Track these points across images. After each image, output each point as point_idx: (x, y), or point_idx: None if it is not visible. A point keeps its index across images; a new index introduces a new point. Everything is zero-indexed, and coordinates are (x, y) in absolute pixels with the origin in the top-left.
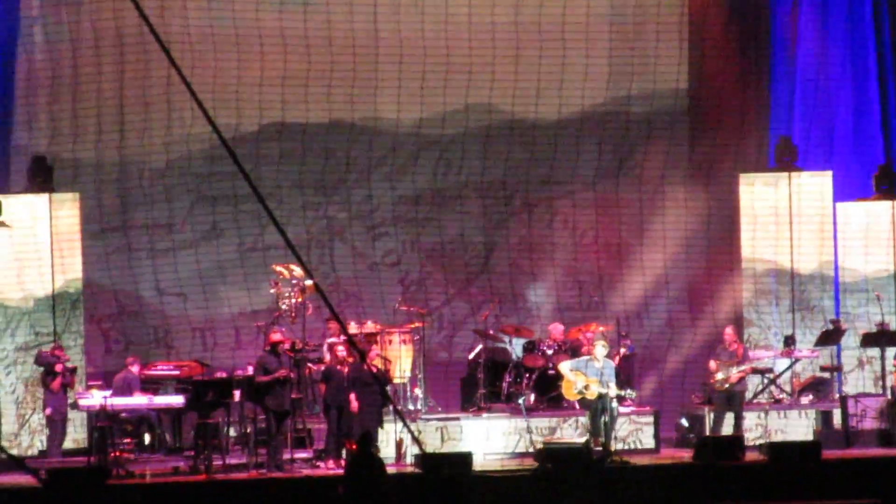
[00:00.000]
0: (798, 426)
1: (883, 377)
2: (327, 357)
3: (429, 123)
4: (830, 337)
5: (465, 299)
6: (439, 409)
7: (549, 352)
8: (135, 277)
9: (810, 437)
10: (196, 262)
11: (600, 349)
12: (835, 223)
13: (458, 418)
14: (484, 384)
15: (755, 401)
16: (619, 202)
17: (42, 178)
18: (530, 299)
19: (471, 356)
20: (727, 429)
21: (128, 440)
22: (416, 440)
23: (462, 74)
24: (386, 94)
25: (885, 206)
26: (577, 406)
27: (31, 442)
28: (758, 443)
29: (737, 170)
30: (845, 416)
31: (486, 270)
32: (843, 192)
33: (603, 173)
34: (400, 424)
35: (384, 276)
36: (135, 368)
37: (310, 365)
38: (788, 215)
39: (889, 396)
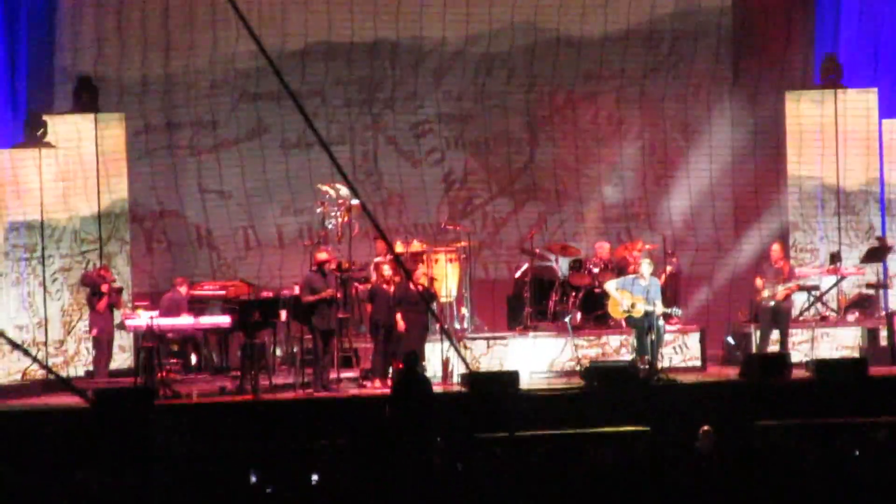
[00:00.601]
0: (845, 343)
1: None
2: (373, 277)
3: (474, 42)
4: (876, 254)
5: (508, 195)
6: (486, 328)
7: (595, 270)
8: (176, 176)
9: (856, 355)
10: (239, 161)
11: (646, 267)
12: (881, 140)
13: (504, 337)
14: (530, 303)
15: (801, 318)
16: (665, 114)
17: (88, 98)
18: (572, 208)
19: (517, 275)
20: (774, 346)
21: (174, 360)
22: (462, 359)
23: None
24: (431, 12)
25: None
26: (624, 325)
27: (77, 349)
28: (804, 360)
29: (782, 87)
30: (891, 332)
31: (530, 166)
32: (890, 109)
33: (649, 87)
34: (446, 343)
35: (428, 173)
36: (182, 289)
37: (356, 284)
38: (834, 133)
39: None
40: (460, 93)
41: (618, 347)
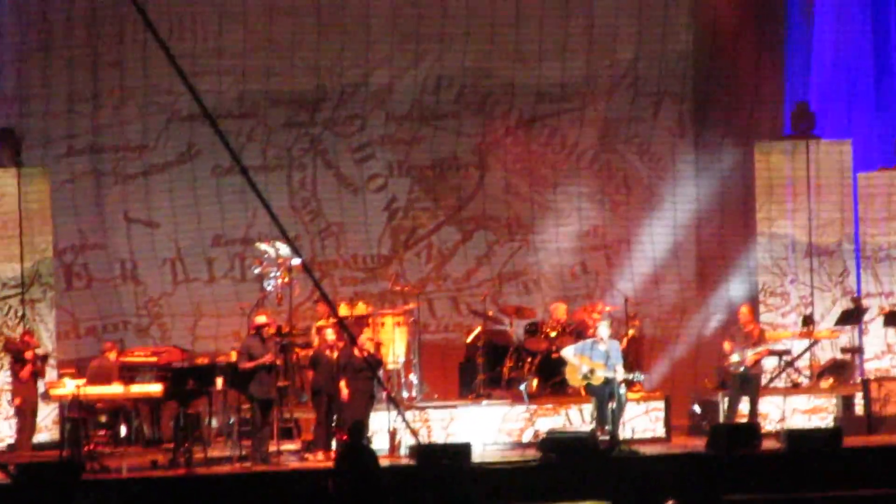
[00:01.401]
0: (818, 412)
1: None
2: (316, 341)
3: (422, 58)
4: (851, 316)
5: (455, 225)
6: (435, 396)
7: (553, 334)
8: (101, 205)
9: (830, 424)
10: (168, 188)
11: (604, 330)
12: (855, 194)
13: (455, 406)
14: (483, 369)
15: (772, 385)
16: (626, 167)
17: (10, 151)
18: (524, 238)
19: (469, 339)
20: (742, 416)
21: (103, 432)
22: (410, 430)
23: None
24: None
25: None
26: (583, 392)
27: None
28: (775, 430)
29: (750, 137)
30: (868, 400)
31: (479, 193)
32: (864, 161)
33: (607, 142)
34: (394, 413)
35: (369, 201)
36: (111, 355)
37: (297, 350)
38: (806, 186)
39: None
40: (405, 113)
41: (576, 417)
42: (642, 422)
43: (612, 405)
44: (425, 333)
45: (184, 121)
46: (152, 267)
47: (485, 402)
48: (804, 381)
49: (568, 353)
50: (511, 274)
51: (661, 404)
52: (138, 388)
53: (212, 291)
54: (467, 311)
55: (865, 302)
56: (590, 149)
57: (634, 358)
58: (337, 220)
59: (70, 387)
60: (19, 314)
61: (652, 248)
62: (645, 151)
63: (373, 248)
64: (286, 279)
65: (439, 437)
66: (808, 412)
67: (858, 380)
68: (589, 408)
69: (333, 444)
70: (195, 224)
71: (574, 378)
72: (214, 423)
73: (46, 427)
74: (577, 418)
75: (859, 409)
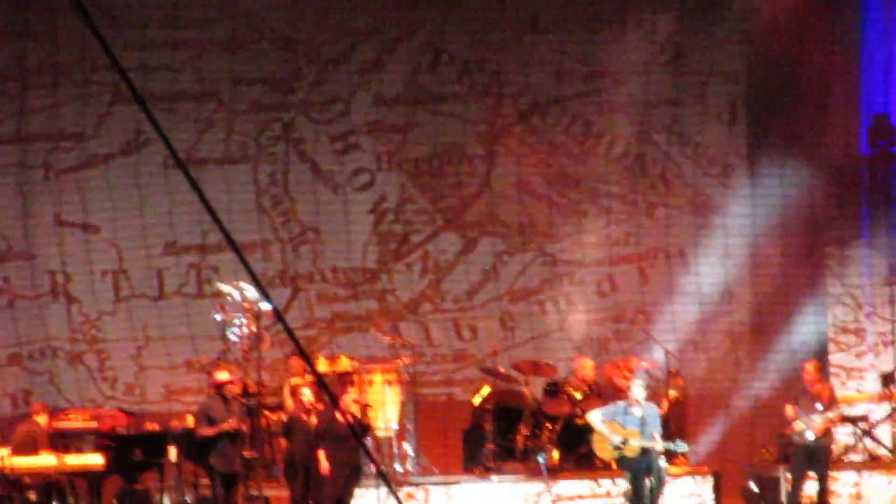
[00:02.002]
0: None
1: None
2: (289, 403)
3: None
4: None
5: (457, 230)
6: (435, 469)
7: (577, 395)
8: (28, 205)
9: None
10: (109, 184)
11: (638, 391)
12: None
13: (459, 482)
14: (493, 437)
15: (845, 458)
16: (664, 161)
17: None
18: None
19: (476, 401)
20: (809, 495)
21: None
22: None
23: None
24: None
25: None
26: (615, 466)
27: None
28: None
29: (820, 157)
30: None
31: (486, 191)
32: None
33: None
34: (384, 490)
35: (353, 201)
36: (41, 419)
37: (267, 413)
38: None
39: None
40: (397, 95)
41: (607, 495)
42: (687, 502)
43: (650, 481)
44: (422, 385)
45: (130, 103)
46: (89, 281)
47: (495, 477)
48: (885, 453)
49: (595, 418)
50: (523, 292)
51: (709, 480)
52: (75, 460)
53: (162, 311)
54: (475, 367)
55: None
56: (620, 139)
57: (677, 424)
58: (313, 225)
59: None
60: None
61: (697, 289)
62: (687, 142)
63: (356, 258)
64: (253, 328)
65: None
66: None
67: None
68: (622, 484)
69: None
70: (142, 228)
71: (603, 449)
72: (167, 502)
73: None
74: (608, 497)
75: None
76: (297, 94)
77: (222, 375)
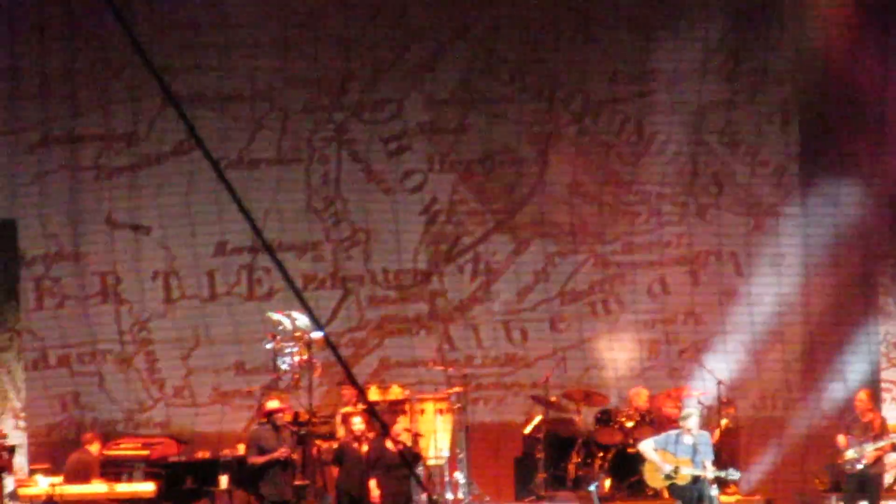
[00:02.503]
0: None
1: None
2: (341, 432)
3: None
4: None
5: (508, 232)
6: (487, 498)
7: (629, 424)
8: (78, 206)
9: None
10: (161, 185)
11: (693, 419)
12: None
13: None
14: (545, 466)
15: None
16: (716, 163)
17: None
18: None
19: (527, 429)
20: None
21: None
22: None
23: None
24: None
25: None
26: (666, 495)
27: None
28: None
29: (876, 177)
30: None
31: (537, 192)
32: None
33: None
34: None
35: (404, 202)
36: (93, 448)
37: (318, 442)
38: None
39: None
40: (449, 96)
41: None
42: None
43: None
44: (473, 407)
45: (181, 104)
46: (139, 282)
47: None
48: None
49: (647, 447)
50: (574, 294)
51: None
52: (126, 488)
53: (212, 312)
54: (526, 396)
55: None
56: (672, 140)
57: (729, 453)
58: (364, 226)
59: (43, 485)
60: None
61: (750, 318)
62: (740, 143)
63: (407, 260)
64: (305, 356)
65: None
66: None
67: None
68: None
69: None
70: (192, 229)
71: (654, 477)
72: None
73: None
74: None
75: None
76: (349, 95)
77: (272, 404)
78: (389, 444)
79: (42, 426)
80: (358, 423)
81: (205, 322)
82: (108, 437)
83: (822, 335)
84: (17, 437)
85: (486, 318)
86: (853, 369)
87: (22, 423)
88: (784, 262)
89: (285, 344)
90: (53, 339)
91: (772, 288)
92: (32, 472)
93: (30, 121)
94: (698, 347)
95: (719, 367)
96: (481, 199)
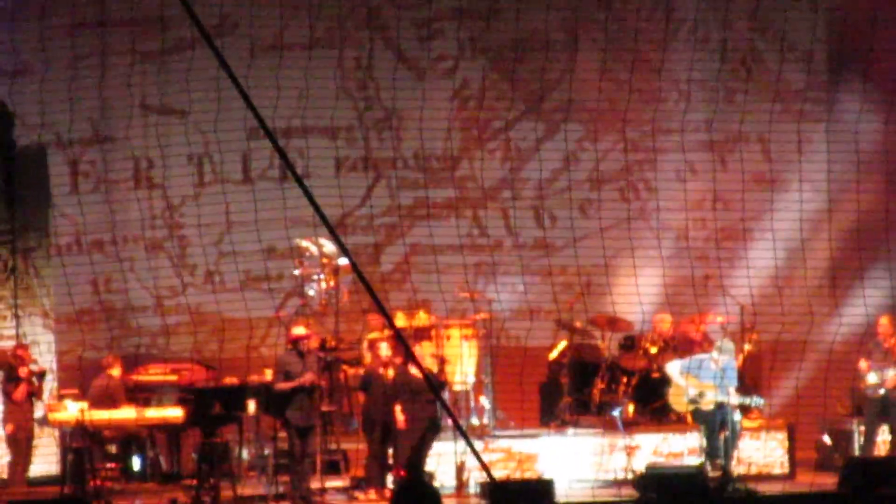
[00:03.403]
0: None
1: None
2: (367, 358)
3: None
4: None
5: (538, 118)
6: (512, 423)
7: (653, 350)
8: (111, 89)
9: None
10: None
11: (727, 345)
12: None
13: (536, 435)
14: (569, 391)
15: None
16: (749, 51)
17: None
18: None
19: (552, 355)
20: (882, 447)
21: (112, 465)
22: (482, 464)
23: None
24: None
25: None
26: (690, 420)
27: None
28: None
29: None
30: None
31: (568, 77)
32: None
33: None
34: (461, 444)
35: (435, 87)
36: (115, 371)
37: (345, 368)
38: None
39: None
40: None
41: (682, 449)
42: (761, 455)
43: (725, 435)
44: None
45: None
46: (173, 166)
47: (571, 430)
48: None
49: (673, 369)
50: (605, 176)
51: (783, 434)
52: (154, 413)
53: (245, 196)
54: (552, 320)
55: None
56: (701, 25)
57: (752, 379)
58: (396, 110)
59: (73, 410)
60: (9, 266)
61: (772, 243)
62: (767, 27)
63: (437, 144)
64: (332, 283)
65: (516, 473)
66: None
67: None
68: (697, 438)
69: (389, 480)
70: (227, 113)
71: (679, 402)
72: (245, 454)
73: (45, 458)
74: (683, 450)
75: None
76: None
77: (298, 330)
78: (415, 371)
79: (71, 342)
80: (384, 349)
81: (238, 206)
82: (134, 361)
83: (844, 260)
84: (44, 337)
85: (516, 202)
86: (874, 294)
87: (51, 322)
88: (810, 149)
89: (312, 270)
90: (86, 224)
91: (797, 174)
92: (62, 397)
93: (61, 6)
94: (727, 234)
95: (742, 293)
96: (512, 84)
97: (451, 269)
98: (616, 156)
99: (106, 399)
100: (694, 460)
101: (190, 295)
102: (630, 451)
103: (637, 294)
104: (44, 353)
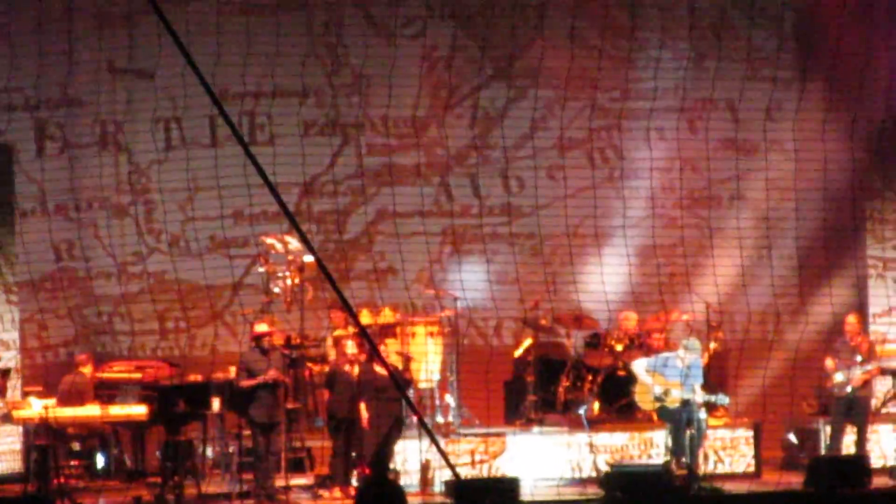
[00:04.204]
0: None
1: None
2: (332, 355)
3: None
4: None
5: (506, 81)
6: (477, 421)
7: (619, 347)
8: (78, 52)
9: None
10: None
11: (693, 343)
12: None
13: (501, 433)
14: (535, 389)
15: (884, 410)
16: (719, 43)
17: None
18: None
19: (517, 353)
20: (848, 446)
21: (76, 462)
22: (447, 462)
23: None
24: None
25: None
26: (655, 417)
27: None
28: (888, 465)
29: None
30: None
31: (538, 40)
32: None
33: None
34: (426, 441)
35: (404, 50)
36: (86, 370)
37: (310, 365)
38: None
39: None
40: None
41: (647, 447)
42: (727, 453)
43: (691, 433)
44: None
45: None
46: (140, 131)
47: (536, 428)
48: None
49: (639, 367)
50: (572, 143)
51: (749, 433)
52: (119, 410)
53: (213, 159)
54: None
55: None
56: None
57: (717, 377)
58: (365, 73)
59: (37, 407)
60: None
61: (738, 241)
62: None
63: (406, 107)
64: (297, 280)
65: (481, 472)
66: None
67: None
68: (662, 436)
69: (353, 478)
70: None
71: (645, 400)
72: (210, 452)
73: (8, 456)
74: (648, 448)
75: None
76: None
77: (261, 327)
78: (379, 368)
79: (31, 311)
80: (350, 347)
81: (206, 171)
82: (101, 359)
83: (813, 260)
84: (6, 313)
85: (484, 167)
86: (840, 293)
87: (13, 297)
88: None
89: (277, 267)
90: (50, 187)
91: (765, 134)
92: (26, 394)
93: None
94: (694, 197)
95: (707, 291)
96: (481, 46)
97: (415, 236)
98: (583, 123)
99: (74, 396)
100: (659, 459)
101: (155, 262)
102: (594, 449)
103: (602, 284)
104: (7, 329)
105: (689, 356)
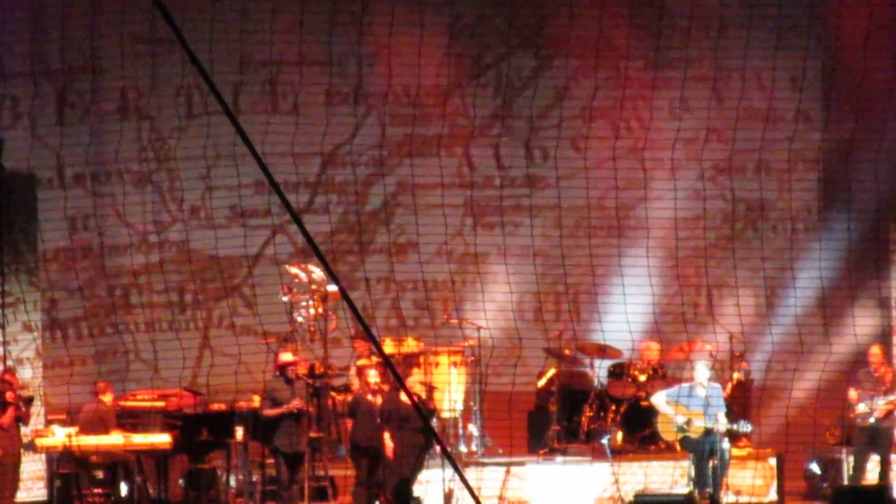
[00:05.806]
0: None
1: None
2: (355, 384)
3: None
4: None
5: (532, 49)
6: (500, 450)
7: (642, 378)
8: (98, 22)
9: None
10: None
11: (703, 372)
12: None
13: (524, 463)
14: (557, 419)
15: None
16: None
17: None
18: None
19: (541, 383)
20: (871, 476)
21: (99, 490)
22: (470, 491)
23: None
24: None
25: None
26: (678, 447)
27: None
28: None
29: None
30: None
31: (562, 10)
32: None
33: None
34: (450, 471)
35: (427, 20)
36: (106, 398)
37: (333, 394)
38: None
39: None
40: None
41: (670, 476)
42: (749, 483)
43: (713, 462)
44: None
45: None
46: (162, 97)
47: (559, 458)
48: None
49: (659, 399)
50: (598, 111)
51: (772, 462)
52: (142, 439)
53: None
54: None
55: None
56: None
57: (740, 406)
58: (387, 43)
59: (60, 435)
60: None
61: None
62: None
63: (428, 76)
64: (320, 309)
65: (504, 501)
66: None
67: None
68: (685, 465)
69: None
70: (218, 43)
71: (667, 430)
72: (233, 481)
73: (32, 484)
74: (671, 478)
75: None
76: None
77: (286, 356)
78: (404, 397)
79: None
80: (373, 376)
81: (227, 138)
82: (122, 389)
83: (837, 290)
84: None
85: (507, 137)
86: (863, 323)
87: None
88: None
89: (301, 297)
90: (70, 157)
91: (792, 104)
92: (49, 422)
93: None
94: (719, 167)
95: (731, 322)
96: (505, 15)
97: (436, 208)
98: (609, 90)
99: (97, 424)
100: (682, 489)
101: (176, 231)
102: (618, 479)
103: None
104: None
105: (704, 379)
